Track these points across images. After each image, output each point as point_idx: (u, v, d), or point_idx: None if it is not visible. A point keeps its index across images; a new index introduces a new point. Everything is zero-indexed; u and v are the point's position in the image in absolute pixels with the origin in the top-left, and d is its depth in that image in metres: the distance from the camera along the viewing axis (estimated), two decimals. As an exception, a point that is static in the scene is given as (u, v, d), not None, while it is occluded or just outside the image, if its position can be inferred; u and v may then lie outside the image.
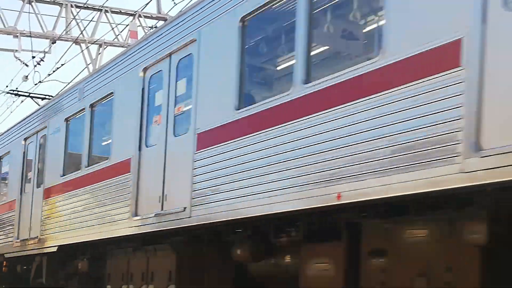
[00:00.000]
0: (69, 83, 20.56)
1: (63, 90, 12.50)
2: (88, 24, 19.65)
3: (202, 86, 6.73)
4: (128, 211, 7.84)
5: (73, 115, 10.34)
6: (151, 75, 7.94)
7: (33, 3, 18.95)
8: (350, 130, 4.80)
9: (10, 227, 12.39)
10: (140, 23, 20.58)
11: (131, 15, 20.51)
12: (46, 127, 11.27)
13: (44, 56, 19.02)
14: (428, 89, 4.22)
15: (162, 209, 7.12)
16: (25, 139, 12.26)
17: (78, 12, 19.64)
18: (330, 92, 5.07)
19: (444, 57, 4.13)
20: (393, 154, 4.42)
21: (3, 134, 14.00)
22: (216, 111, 6.39)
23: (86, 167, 9.51)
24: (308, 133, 5.24)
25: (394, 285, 4.93)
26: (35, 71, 18.68)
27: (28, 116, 12.46)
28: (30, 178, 11.95)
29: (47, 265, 10.76)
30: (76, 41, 19.50)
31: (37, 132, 11.74)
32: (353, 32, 5.77)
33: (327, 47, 5.99)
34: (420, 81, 4.28)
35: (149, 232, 7.34)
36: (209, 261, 7.13)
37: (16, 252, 11.96)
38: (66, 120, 10.49)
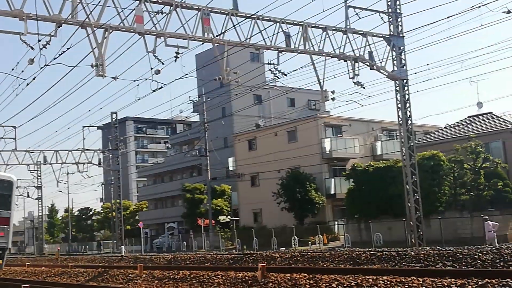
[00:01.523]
0: (74, 67, 20.95)
1: None
2: (94, 8, 19.74)
3: None
4: None
5: None
6: None
7: (39, -13, 19.03)
8: None
9: None
10: (146, 8, 20.68)
11: (137, -1, 20.60)
12: None
13: (50, 40, 19.16)
14: None
15: None
16: None
17: (84, -4, 19.75)
18: None
19: None
20: None
21: None
22: None
23: None
24: None
25: None
26: (41, 55, 18.86)
27: None
28: None
29: None
30: (82, 25, 19.66)
31: None
32: None
33: None
34: None
35: None
36: None
37: None
38: None
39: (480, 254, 17.06)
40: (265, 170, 46.82)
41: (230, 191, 56.13)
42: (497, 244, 23.10)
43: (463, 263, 16.80)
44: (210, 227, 47.51)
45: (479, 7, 20.88)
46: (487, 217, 26.18)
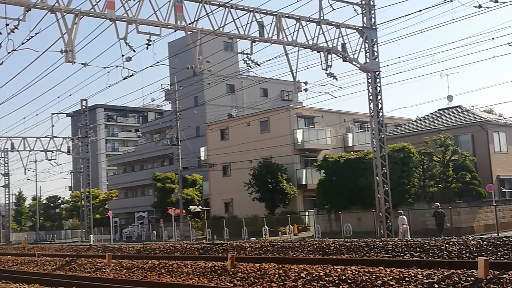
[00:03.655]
0: (43, 52, 20.52)
1: None
2: (64, -8, 19.36)
3: None
4: None
5: None
6: None
7: (7, -31, 18.60)
8: None
9: None
10: (118, -6, 20.34)
11: (109, -15, 20.22)
12: None
13: (18, 24, 18.76)
14: None
15: None
16: None
17: (54, -20, 19.33)
18: None
19: None
20: None
21: None
22: None
23: None
24: None
25: None
26: (8, 39, 18.49)
27: None
28: None
29: None
30: (52, 10, 19.26)
31: None
32: None
33: None
34: None
35: None
36: None
37: None
38: None
39: (446, 245, 17.34)
40: (237, 160, 46.78)
41: (202, 181, 55.97)
42: (409, 237, 24.19)
43: (430, 254, 17.05)
44: (180, 217, 47.34)
45: (451, 1, 21.09)
46: (401, 211, 27.05)
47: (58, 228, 79.48)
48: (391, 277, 11.87)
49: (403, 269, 12.54)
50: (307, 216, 42.92)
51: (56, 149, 46.32)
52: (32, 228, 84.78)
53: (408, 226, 26.44)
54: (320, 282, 12.72)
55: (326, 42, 24.59)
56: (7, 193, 66.40)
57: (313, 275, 13.22)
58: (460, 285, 10.51)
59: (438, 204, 27.42)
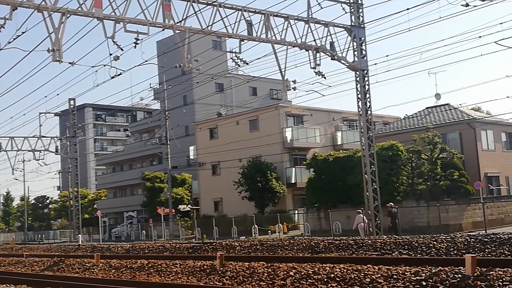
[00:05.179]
0: (30, 51, 20.36)
1: None
2: (51, -9, 19.23)
3: None
4: None
5: None
6: None
7: (-7, -33, 18.46)
8: None
9: None
10: (105, -8, 20.21)
11: (96, -17, 20.09)
12: None
13: (5, 23, 18.63)
14: None
15: None
16: None
17: (40, -22, 19.19)
18: None
19: None
20: None
21: None
22: None
23: None
24: None
25: None
26: (-6, 38, 18.39)
27: None
28: None
29: None
30: (39, 9, 19.12)
31: None
32: None
33: None
34: None
35: None
36: None
37: None
38: None
39: (435, 242, 17.43)
40: (226, 159, 46.74)
41: (191, 180, 55.86)
42: (363, 236, 24.65)
43: (419, 251, 17.14)
44: (170, 216, 47.22)
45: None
46: (360, 211, 27.29)
47: (47, 228, 79.02)
48: (379, 275, 11.91)
49: (391, 267, 12.59)
50: (296, 215, 42.97)
51: (44, 149, 46.06)
52: (20, 228, 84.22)
53: (366, 224, 26.52)
54: (309, 280, 12.74)
55: (315, 40, 24.63)
56: (-6, 194, 65.85)
57: (302, 274, 13.23)
58: (447, 282, 10.57)
59: (392, 204, 27.76)
